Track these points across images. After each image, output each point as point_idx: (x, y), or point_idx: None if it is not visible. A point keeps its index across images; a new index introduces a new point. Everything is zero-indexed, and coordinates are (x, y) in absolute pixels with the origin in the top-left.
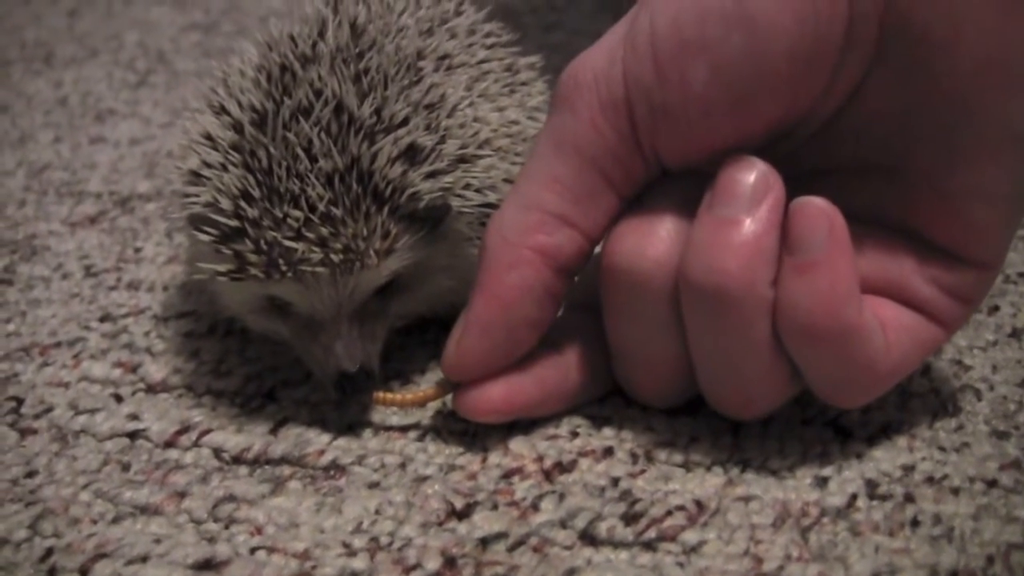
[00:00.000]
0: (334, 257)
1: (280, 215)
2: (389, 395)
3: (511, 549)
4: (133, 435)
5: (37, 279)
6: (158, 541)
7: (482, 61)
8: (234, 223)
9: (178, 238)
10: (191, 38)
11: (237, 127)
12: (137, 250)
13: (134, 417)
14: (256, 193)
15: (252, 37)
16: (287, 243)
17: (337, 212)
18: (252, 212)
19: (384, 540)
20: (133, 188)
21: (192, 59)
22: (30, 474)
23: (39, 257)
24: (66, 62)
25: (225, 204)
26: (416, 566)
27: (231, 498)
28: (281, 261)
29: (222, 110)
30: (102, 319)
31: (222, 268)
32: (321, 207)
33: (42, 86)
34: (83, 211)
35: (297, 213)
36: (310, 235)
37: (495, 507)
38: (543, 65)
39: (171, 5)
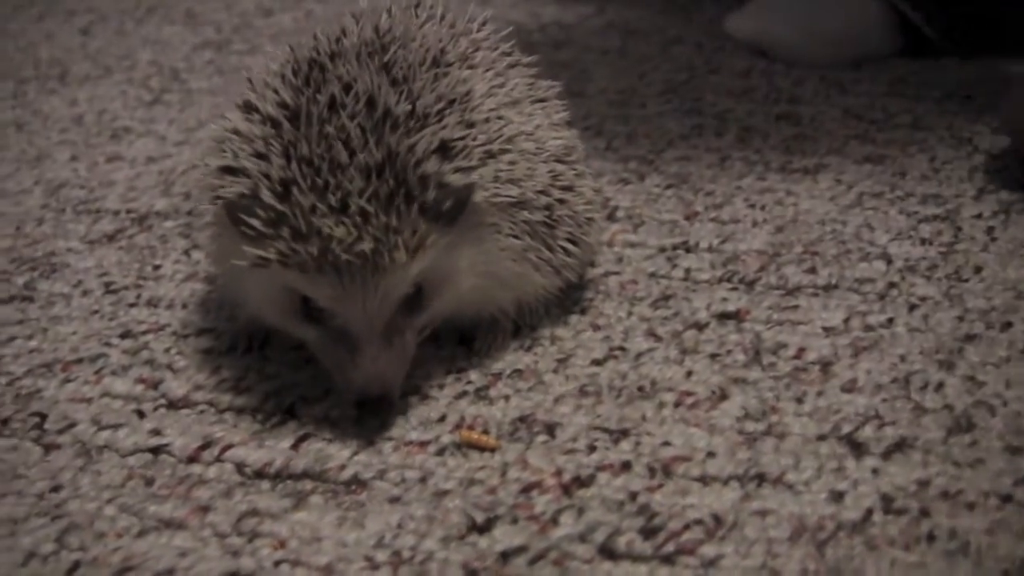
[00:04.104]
0: (366, 247)
1: (321, 205)
2: (472, 434)
3: (531, 563)
4: (156, 450)
5: (57, 296)
6: (183, 555)
7: (506, 67)
8: (281, 208)
9: (196, 255)
10: (203, 56)
11: (272, 122)
12: (156, 267)
13: (156, 432)
14: (301, 182)
15: (272, 46)
16: (327, 231)
17: (371, 207)
18: (297, 199)
19: (406, 554)
20: (150, 206)
21: (205, 77)
22: (55, 488)
23: (59, 274)
24: (80, 80)
25: (267, 193)
26: None
27: (254, 512)
28: (318, 250)
29: (251, 108)
30: (123, 336)
31: (265, 253)
32: (359, 200)
33: (57, 104)
34: (101, 229)
35: (336, 203)
36: (347, 224)
37: (515, 521)
38: (561, 90)
39: (183, 24)
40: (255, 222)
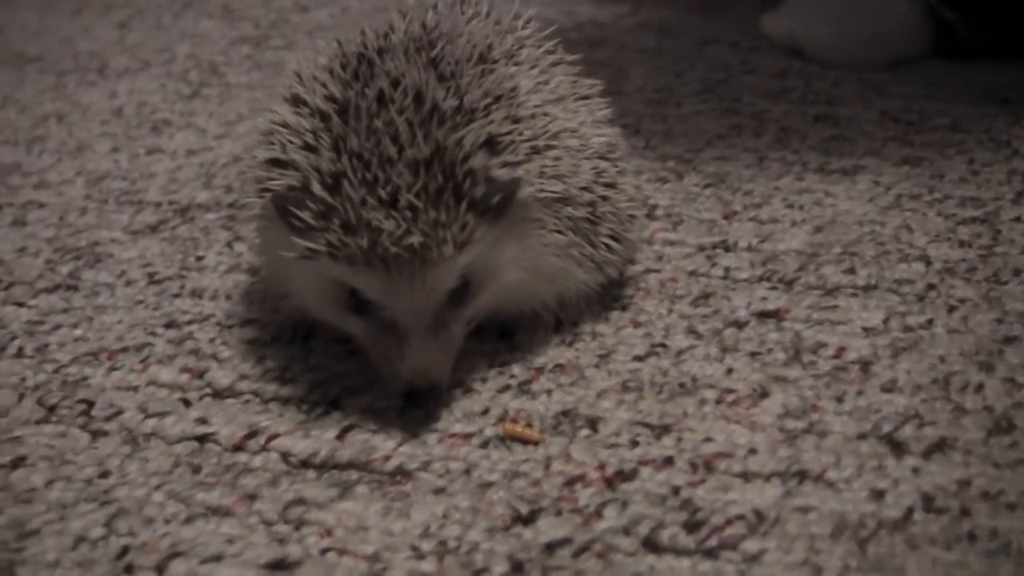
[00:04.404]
0: (415, 241)
1: (371, 198)
2: (516, 427)
3: (576, 555)
4: (202, 439)
5: (102, 285)
6: (231, 541)
7: (550, 65)
8: (331, 201)
9: (239, 247)
10: (241, 51)
11: (321, 115)
12: (199, 259)
13: (203, 421)
14: (351, 176)
15: (309, 41)
16: (376, 224)
17: (420, 202)
18: (348, 192)
19: (452, 544)
20: (192, 198)
21: (243, 71)
22: (103, 475)
23: (103, 264)
24: (119, 73)
25: (317, 186)
26: (484, 570)
27: (300, 501)
28: (368, 243)
29: (299, 101)
30: (167, 326)
31: (315, 245)
32: (408, 195)
33: (97, 97)
34: (143, 220)
35: (386, 197)
36: (396, 218)
37: (559, 513)
38: (602, 88)
39: (220, 18)
40: (305, 214)
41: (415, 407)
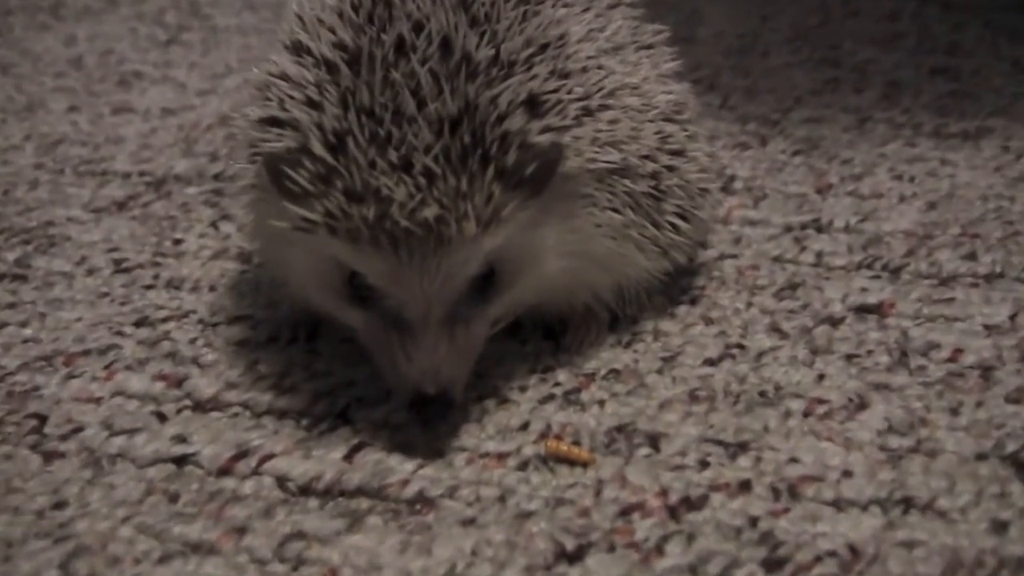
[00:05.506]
0: (430, 214)
1: (381, 160)
2: (561, 445)
3: None
4: (181, 460)
5: (57, 275)
6: None
7: (607, 8)
8: (332, 162)
9: (226, 228)
10: None
11: (328, 66)
12: (177, 242)
13: (181, 439)
14: (358, 134)
15: None
16: (385, 191)
17: (438, 167)
18: (353, 153)
19: None
20: (169, 168)
21: (233, 13)
22: (58, 505)
23: (58, 249)
24: (78, 14)
25: (317, 145)
26: None
27: (299, 535)
28: (373, 214)
29: (301, 49)
30: (138, 323)
31: (310, 214)
32: (425, 158)
33: (51, 43)
34: (109, 194)
35: (397, 160)
36: (409, 184)
37: (612, 549)
38: (670, 36)
39: None
40: (301, 178)
41: (419, 421)
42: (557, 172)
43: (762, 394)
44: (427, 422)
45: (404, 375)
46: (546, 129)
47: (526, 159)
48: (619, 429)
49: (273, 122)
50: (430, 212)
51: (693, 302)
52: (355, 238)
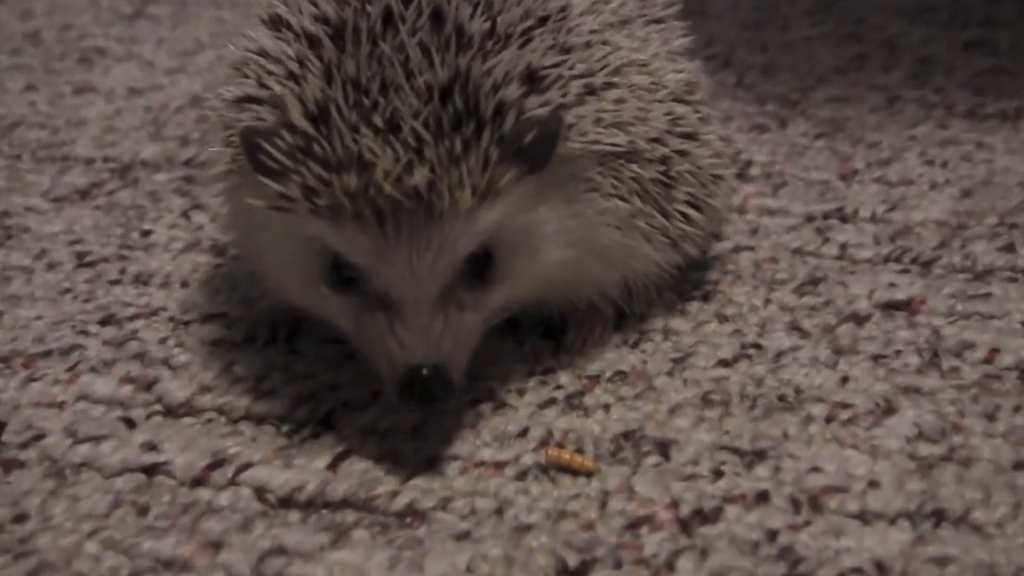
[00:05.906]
0: (419, 181)
1: (365, 126)
2: (563, 453)
3: None
4: (151, 470)
5: (15, 269)
6: None
7: None
8: (312, 132)
9: (199, 218)
10: None
11: (309, 40)
12: (145, 233)
13: (151, 447)
14: (341, 103)
15: None
16: (369, 156)
17: (427, 132)
18: (335, 120)
19: None
20: (135, 153)
21: None
22: (18, 518)
23: (16, 241)
24: None
25: (296, 115)
26: None
27: (280, 551)
28: (356, 184)
29: (280, 23)
30: (103, 322)
31: (287, 191)
32: (414, 122)
33: (5, 16)
34: (70, 182)
35: (382, 124)
36: (396, 148)
37: (618, 565)
38: (681, 8)
39: None
40: (278, 151)
41: (412, 402)
42: (557, 147)
43: (781, 398)
44: (423, 400)
45: (389, 350)
46: (545, 104)
47: (524, 127)
48: (626, 436)
49: (250, 100)
50: (419, 178)
51: (706, 298)
52: (337, 213)
